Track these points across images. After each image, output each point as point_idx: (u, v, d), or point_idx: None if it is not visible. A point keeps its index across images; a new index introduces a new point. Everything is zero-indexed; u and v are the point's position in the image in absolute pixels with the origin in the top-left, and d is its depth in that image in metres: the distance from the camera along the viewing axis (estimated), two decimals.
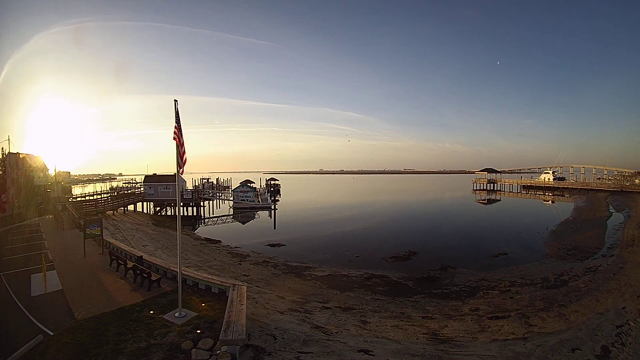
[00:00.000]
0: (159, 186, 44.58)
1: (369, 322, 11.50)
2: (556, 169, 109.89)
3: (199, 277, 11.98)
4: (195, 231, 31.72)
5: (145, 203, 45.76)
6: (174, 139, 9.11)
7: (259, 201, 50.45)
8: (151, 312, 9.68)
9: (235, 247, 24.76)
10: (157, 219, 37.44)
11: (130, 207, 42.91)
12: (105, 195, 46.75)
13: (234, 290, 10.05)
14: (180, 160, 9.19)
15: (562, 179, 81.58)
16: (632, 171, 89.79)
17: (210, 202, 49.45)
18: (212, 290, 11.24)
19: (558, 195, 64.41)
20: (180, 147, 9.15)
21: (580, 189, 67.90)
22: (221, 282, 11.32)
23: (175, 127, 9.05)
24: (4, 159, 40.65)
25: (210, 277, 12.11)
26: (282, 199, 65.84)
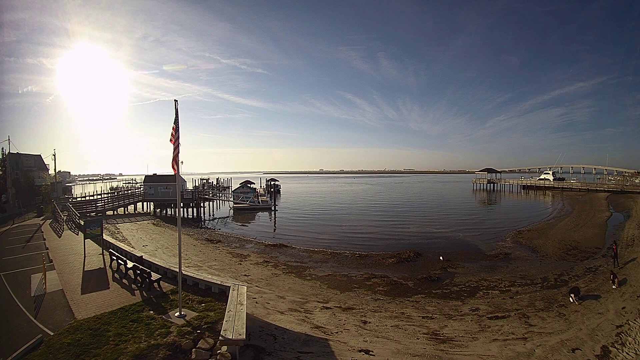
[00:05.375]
0: (159, 186, 44.59)
1: (369, 322, 11.50)
2: (556, 169, 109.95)
3: (199, 277, 11.98)
4: (196, 231, 31.71)
5: (145, 203, 45.77)
6: (171, 140, 9.10)
7: (259, 202, 50.46)
8: (151, 312, 9.68)
9: (235, 247, 24.75)
10: (157, 219, 37.42)
11: (131, 207, 42.92)
12: (105, 195, 46.76)
13: (234, 290, 10.04)
14: (173, 159, 9.18)
15: (562, 179, 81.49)
16: (632, 171, 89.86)
17: (211, 202, 49.44)
18: (212, 290, 11.25)
19: (557, 195, 64.41)
20: (176, 148, 9.15)
21: (580, 189, 67.89)
22: (221, 282, 11.33)
23: (173, 129, 9.06)
24: (4, 159, 40.70)
25: (210, 277, 12.12)
26: (283, 199, 65.81)
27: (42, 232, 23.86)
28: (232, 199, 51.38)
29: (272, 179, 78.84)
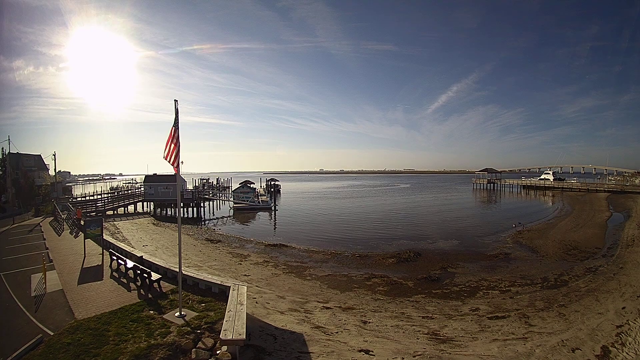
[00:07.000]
0: (159, 186, 44.56)
1: (369, 322, 11.50)
2: (556, 169, 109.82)
3: (199, 277, 11.98)
4: (196, 231, 31.71)
5: (145, 203, 45.75)
6: (172, 141, 9.09)
7: (259, 202, 50.44)
8: (151, 312, 9.69)
9: (235, 247, 24.74)
10: (157, 219, 37.41)
11: (131, 207, 42.92)
12: (105, 195, 46.75)
13: (234, 290, 10.04)
14: (173, 160, 9.17)
15: (562, 179, 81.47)
16: (632, 171, 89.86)
17: (211, 202, 49.41)
18: (213, 290, 11.25)
19: (557, 195, 64.41)
20: (174, 148, 9.14)
21: (580, 189, 67.88)
22: (221, 282, 11.33)
23: (173, 128, 9.05)
24: (4, 159, 40.72)
25: (210, 277, 12.12)
26: (283, 199, 65.79)
27: (42, 232, 23.87)
28: (232, 199, 51.36)
29: (272, 179, 78.84)
